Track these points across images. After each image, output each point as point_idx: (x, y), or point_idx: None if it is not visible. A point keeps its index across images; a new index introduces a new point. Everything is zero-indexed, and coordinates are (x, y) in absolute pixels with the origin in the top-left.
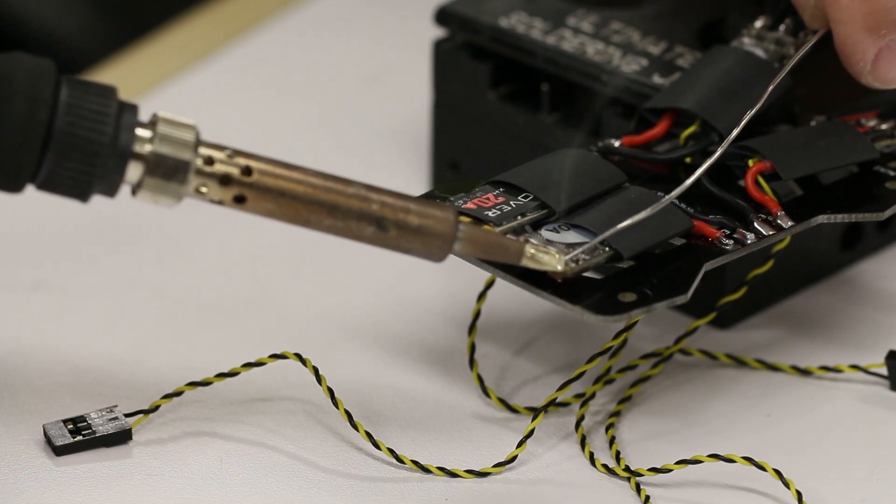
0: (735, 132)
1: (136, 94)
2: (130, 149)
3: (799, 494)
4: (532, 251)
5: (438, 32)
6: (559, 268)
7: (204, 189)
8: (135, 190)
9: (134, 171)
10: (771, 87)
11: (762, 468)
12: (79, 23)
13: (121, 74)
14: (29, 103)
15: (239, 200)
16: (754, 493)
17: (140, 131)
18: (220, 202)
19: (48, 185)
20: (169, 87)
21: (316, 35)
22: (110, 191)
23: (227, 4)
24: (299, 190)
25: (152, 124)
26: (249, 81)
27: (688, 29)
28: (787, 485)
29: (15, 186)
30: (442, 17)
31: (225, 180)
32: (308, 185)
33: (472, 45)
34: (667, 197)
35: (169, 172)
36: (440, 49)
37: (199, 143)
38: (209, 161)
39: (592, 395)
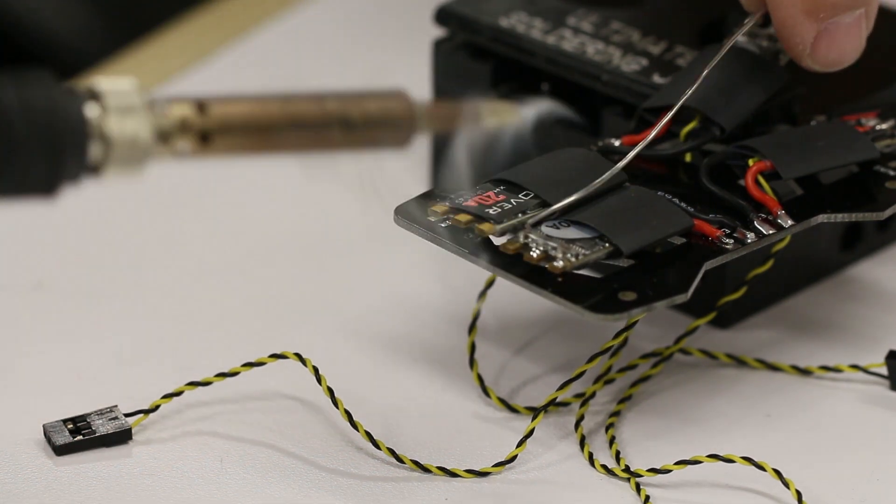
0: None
1: None
2: (87, 130)
3: (799, 494)
4: (489, 107)
5: (438, 32)
6: (517, 116)
7: (166, 140)
8: (99, 168)
9: (95, 150)
10: (707, 70)
11: (762, 468)
12: (79, 23)
13: (121, 74)
14: None
15: (204, 141)
16: (754, 494)
17: (90, 107)
18: (185, 151)
19: (12, 193)
20: (169, 87)
21: (316, 35)
22: (75, 177)
23: (227, 4)
24: (259, 112)
25: (96, 96)
26: (249, 81)
27: (688, 29)
28: (786, 485)
29: None
30: (442, 17)
31: (184, 125)
32: (266, 106)
33: (472, 45)
34: (617, 165)
35: (129, 139)
36: (440, 49)
37: (148, 101)
38: (163, 110)
39: (592, 395)
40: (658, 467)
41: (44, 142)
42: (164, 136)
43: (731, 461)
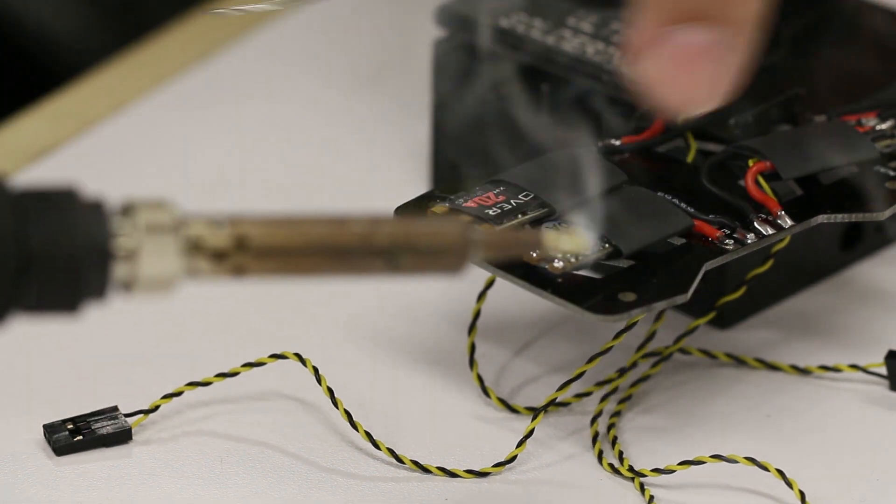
0: None
1: (136, 94)
2: (110, 250)
3: (802, 495)
4: (551, 239)
5: (438, 32)
6: (587, 248)
7: (199, 269)
8: (126, 288)
9: (121, 270)
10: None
11: (765, 468)
12: (79, 23)
13: (121, 74)
14: None
15: (239, 271)
16: (756, 494)
17: (117, 227)
18: (219, 277)
19: (33, 310)
20: (169, 87)
21: (316, 35)
22: (100, 295)
23: (228, 4)
24: (301, 245)
25: (126, 213)
26: (249, 81)
27: None
28: (789, 485)
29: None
30: (442, 17)
31: (219, 256)
32: (308, 237)
33: (472, 45)
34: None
35: (157, 263)
36: (440, 49)
37: (181, 223)
38: (198, 239)
39: (615, 390)
40: (662, 468)
41: (64, 271)
42: (197, 268)
43: (734, 461)
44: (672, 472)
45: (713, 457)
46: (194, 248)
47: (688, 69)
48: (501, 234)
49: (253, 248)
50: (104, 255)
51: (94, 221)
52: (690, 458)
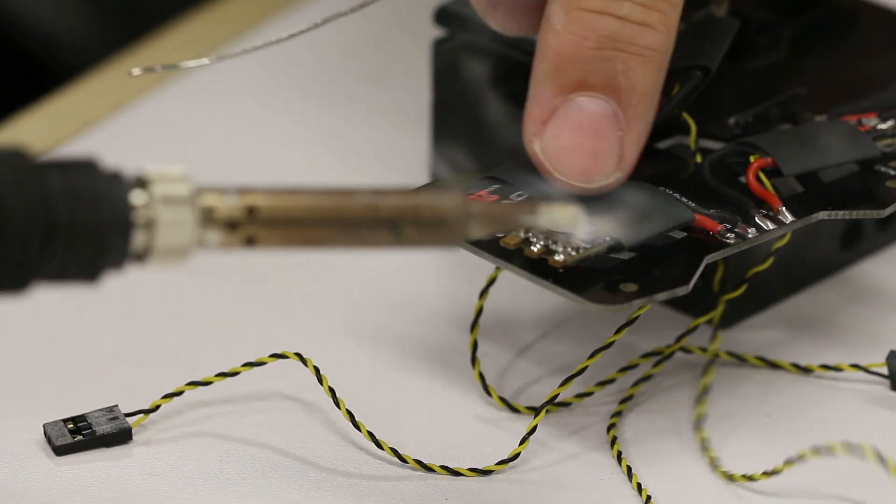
0: None
1: (136, 94)
2: (131, 219)
3: None
4: (545, 211)
5: (438, 32)
6: (576, 223)
7: (212, 239)
8: (142, 258)
9: (139, 240)
10: None
11: (801, 457)
12: (78, 23)
13: (121, 74)
14: (22, 203)
15: (250, 242)
16: (755, 494)
17: (136, 197)
18: (230, 247)
19: (54, 279)
20: (169, 87)
21: (316, 35)
22: (118, 265)
23: (227, 4)
24: (309, 215)
25: (143, 184)
26: (249, 81)
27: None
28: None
29: (20, 288)
30: (442, 17)
31: (232, 225)
32: (316, 208)
33: (472, 45)
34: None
35: (174, 232)
36: (440, 49)
37: (195, 193)
38: (212, 210)
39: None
40: (769, 469)
41: (87, 237)
42: (210, 237)
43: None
44: (778, 472)
45: (812, 448)
46: (208, 218)
47: (588, 137)
48: (498, 208)
49: (263, 218)
50: (126, 224)
51: (116, 191)
52: (793, 457)
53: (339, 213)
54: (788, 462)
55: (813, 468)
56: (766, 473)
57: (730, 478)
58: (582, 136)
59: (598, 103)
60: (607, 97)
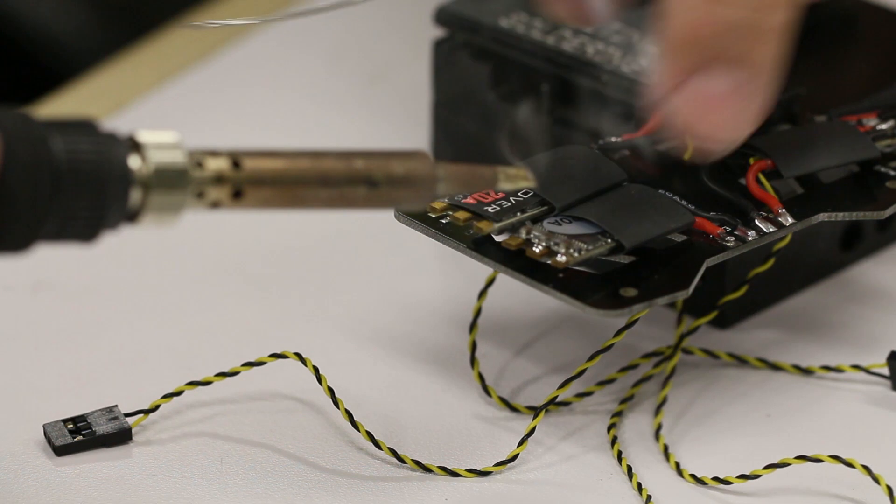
0: None
1: (136, 93)
2: (131, 176)
3: (890, 490)
4: (503, 175)
5: (438, 32)
6: (531, 182)
7: (202, 193)
8: (136, 215)
9: (134, 196)
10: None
11: (850, 465)
12: (78, 23)
13: (121, 74)
14: (32, 149)
15: (237, 196)
16: (753, 496)
17: (132, 158)
18: (218, 203)
19: (57, 233)
20: (169, 87)
21: (316, 35)
22: (115, 223)
23: (227, 4)
24: (290, 169)
25: (136, 145)
26: (249, 81)
27: None
28: (877, 481)
29: (28, 241)
30: (442, 17)
31: (219, 179)
32: (296, 163)
33: (472, 45)
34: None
35: (168, 186)
36: (440, 49)
37: (185, 150)
38: (200, 164)
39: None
40: (747, 473)
41: (90, 190)
42: (201, 190)
43: (818, 461)
44: (757, 476)
45: (798, 458)
46: (198, 170)
47: (710, 113)
48: (460, 167)
49: (248, 171)
50: (125, 180)
51: (115, 148)
52: (775, 462)
53: (318, 167)
54: (769, 468)
55: (809, 469)
56: (742, 477)
57: (700, 481)
58: (707, 109)
59: (723, 77)
60: (731, 69)
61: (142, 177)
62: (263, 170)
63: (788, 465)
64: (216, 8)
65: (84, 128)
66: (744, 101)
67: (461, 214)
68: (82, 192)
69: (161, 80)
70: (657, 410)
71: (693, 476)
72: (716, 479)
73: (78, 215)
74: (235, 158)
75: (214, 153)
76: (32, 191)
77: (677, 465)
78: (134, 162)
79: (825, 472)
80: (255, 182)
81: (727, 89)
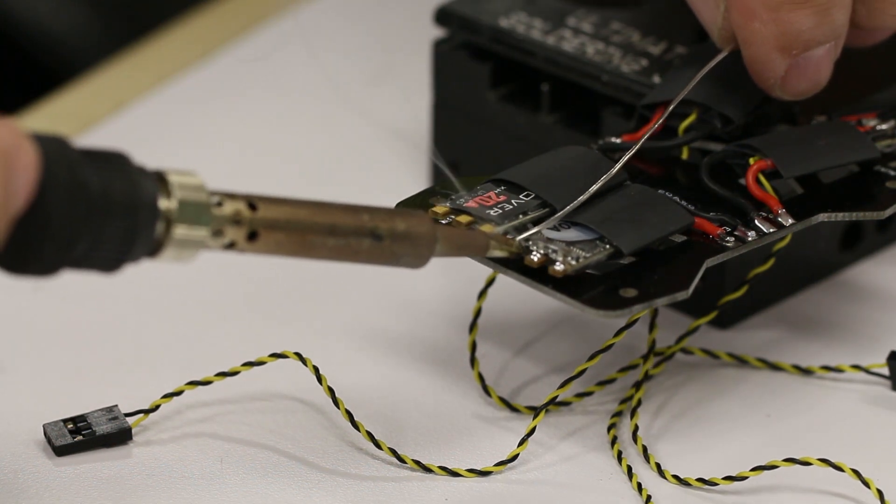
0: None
1: (136, 93)
2: (159, 209)
3: (881, 494)
4: (495, 242)
5: (438, 32)
6: (520, 249)
7: (220, 231)
8: (157, 249)
9: (158, 228)
10: (707, 69)
11: (839, 469)
12: (78, 23)
13: (121, 74)
14: (70, 172)
15: (252, 238)
16: (751, 495)
17: (160, 194)
18: (233, 244)
19: (84, 258)
20: (169, 87)
21: (316, 35)
22: (138, 255)
23: (227, 4)
24: (301, 215)
25: (161, 179)
26: (249, 82)
27: (688, 29)
28: (867, 484)
29: (57, 263)
30: (442, 17)
31: (237, 219)
32: (307, 209)
33: (472, 45)
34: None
35: (190, 221)
36: (440, 49)
37: (207, 189)
38: (220, 203)
39: (639, 403)
40: (734, 475)
41: (121, 217)
42: (219, 228)
43: (807, 463)
44: (744, 478)
45: (786, 460)
46: (218, 209)
47: (816, 72)
48: (456, 231)
49: (263, 213)
50: (154, 210)
51: (144, 178)
52: (763, 464)
53: (327, 216)
54: (756, 469)
55: (809, 469)
56: (729, 478)
57: (683, 482)
58: (815, 76)
59: (821, 49)
60: (824, 42)
61: (166, 210)
62: (277, 213)
63: (776, 467)
64: (215, 8)
65: (116, 158)
66: (832, 57)
67: (463, 218)
68: (114, 219)
69: (161, 80)
70: (632, 412)
71: (676, 476)
72: (700, 479)
73: (106, 241)
74: (251, 201)
75: (232, 195)
76: (68, 212)
77: (658, 466)
78: (162, 203)
79: (825, 473)
80: (268, 225)
81: (822, 56)
